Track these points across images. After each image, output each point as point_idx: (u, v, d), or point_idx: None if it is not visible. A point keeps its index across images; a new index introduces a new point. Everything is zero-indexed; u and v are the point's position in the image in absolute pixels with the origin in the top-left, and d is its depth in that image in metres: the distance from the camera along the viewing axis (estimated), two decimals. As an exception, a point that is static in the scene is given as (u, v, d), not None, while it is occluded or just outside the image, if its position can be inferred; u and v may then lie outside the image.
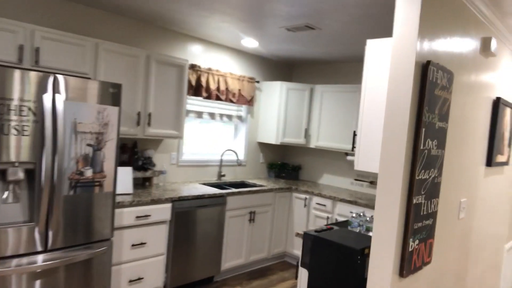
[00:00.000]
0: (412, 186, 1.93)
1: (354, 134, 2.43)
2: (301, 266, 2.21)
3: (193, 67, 4.12)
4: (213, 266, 3.82)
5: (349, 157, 4.55)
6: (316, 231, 2.22)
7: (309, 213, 4.42)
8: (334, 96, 4.58)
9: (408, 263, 1.96)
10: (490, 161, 2.98)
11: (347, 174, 4.82)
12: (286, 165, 5.29)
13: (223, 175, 4.60)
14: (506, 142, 3.31)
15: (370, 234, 2.37)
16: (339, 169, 4.91)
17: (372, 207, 3.86)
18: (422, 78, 1.93)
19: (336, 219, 4.15)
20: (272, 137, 4.84)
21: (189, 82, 4.09)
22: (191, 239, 3.57)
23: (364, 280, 1.98)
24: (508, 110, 3.23)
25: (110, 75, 3.18)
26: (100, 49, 3.08)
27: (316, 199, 4.35)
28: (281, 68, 5.26)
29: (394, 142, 1.91)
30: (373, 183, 4.56)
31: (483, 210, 3.06)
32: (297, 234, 2.58)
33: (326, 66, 5.09)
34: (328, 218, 4.23)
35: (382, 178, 1.95)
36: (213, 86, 4.28)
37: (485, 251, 3.21)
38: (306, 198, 4.44)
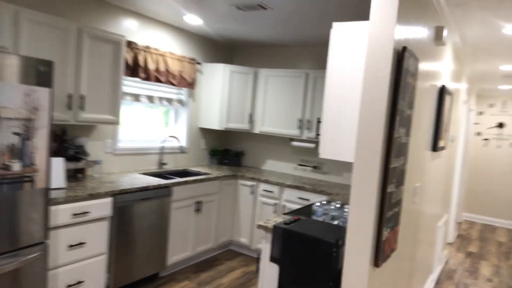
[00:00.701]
0: (387, 175, 1.89)
1: (318, 121, 2.35)
2: (271, 261, 2.08)
3: (129, 44, 3.71)
4: (159, 261, 3.56)
5: (294, 143, 4.52)
6: (285, 223, 2.11)
7: (256, 200, 4.33)
8: (279, 80, 4.49)
9: (382, 253, 1.94)
10: (435, 146, 3.12)
11: (291, 160, 4.80)
12: (228, 151, 5.12)
13: (164, 164, 4.29)
14: (444, 127, 3.49)
15: (335, 222, 2.32)
16: (283, 154, 4.87)
17: (318, 192, 3.87)
18: (398, 64, 1.88)
19: (284, 205, 4.11)
20: (215, 122, 4.63)
21: (126, 61, 3.69)
22: (134, 234, 3.27)
23: (339, 272, 1.92)
24: (448, 97, 3.39)
25: (35, 51, 2.71)
26: (21, 18, 2.59)
27: (263, 186, 4.27)
28: (222, 49, 5.02)
29: (371, 130, 1.85)
30: (316, 168, 4.60)
31: (428, 193, 3.20)
32: (260, 226, 2.46)
33: (270, 49, 4.96)
34: (275, 204, 4.17)
35: (358, 167, 1.89)
36: (152, 66, 3.92)
37: (426, 230, 3.39)
38: (252, 185, 4.33)
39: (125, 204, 3.15)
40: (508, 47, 3.70)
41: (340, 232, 2.02)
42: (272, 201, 4.21)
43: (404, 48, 1.86)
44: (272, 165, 4.95)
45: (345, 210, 2.30)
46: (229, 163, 4.99)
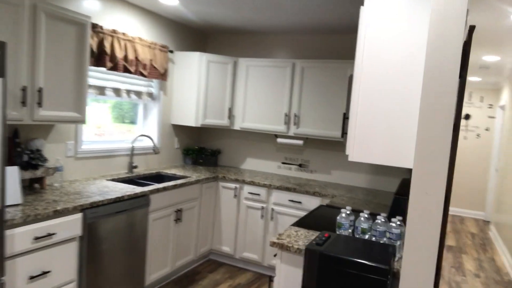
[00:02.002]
0: (450, 186, 1.56)
1: (345, 117, 1.99)
2: (303, 291, 1.70)
3: (93, 27, 3.12)
4: (137, 282, 3.04)
5: (280, 140, 4.14)
6: (317, 243, 1.73)
7: (240, 204, 3.91)
8: (261, 71, 4.08)
9: (438, 277, 1.62)
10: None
11: (274, 158, 4.43)
12: (204, 150, 4.64)
13: (135, 167, 3.74)
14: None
15: (366, 237, 1.98)
16: (265, 152, 4.48)
17: (312, 194, 3.53)
18: (465, 46, 1.54)
19: (272, 209, 3.73)
20: (191, 119, 4.13)
21: (90, 48, 3.09)
22: (109, 254, 2.73)
23: (391, 304, 1.57)
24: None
25: (-23, 30, 2.09)
26: (-44, -12, 1.97)
27: (247, 188, 3.85)
28: (197, 36, 4.51)
29: (438, 128, 1.50)
30: (302, 166, 4.27)
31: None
32: (275, 244, 2.05)
33: (251, 36, 4.52)
34: (262, 208, 3.78)
35: (419, 176, 1.54)
36: (119, 53, 3.35)
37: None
38: (236, 188, 3.90)
39: (97, 220, 2.61)
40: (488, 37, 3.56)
41: (387, 252, 1.68)
42: (258, 205, 3.81)
43: (473, 27, 1.53)
44: (253, 164, 4.55)
45: (377, 221, 1.97)
46: (204, 163, 4.52)
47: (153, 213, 3.14)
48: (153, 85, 4.00)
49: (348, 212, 2.08)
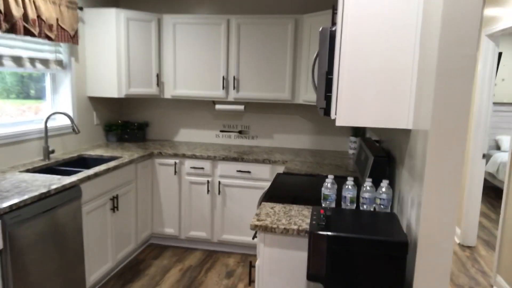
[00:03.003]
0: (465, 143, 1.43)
1: (327, 76, 1.72)
2: (310, 279, 1.48)
3: (-27, -24, 2.36)
4: (77, 286, 2.57)
5: (218, 106, 3.79)
6: (320, 225, 1.50)
7: (182, 180, 3.53)
8: (192, 29, 3.60)
9: (451, 242, 1.52)
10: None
11: (211, 126, 4.07)
12: (129, 124, 4.08)
13: (52, 151, 3.09)
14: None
15: (365, 207, 1.81)
16: (201, 121, 4.09)
17: (261, 161, 3.31)
18: None
19: (219, 182, 3.44)
20: (112, 89, 3.53)
21: (-27, 2, 2.34)
22: (39, 263, 2.21)
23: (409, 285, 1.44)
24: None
25: None
26: None
27: (189, 162, 3.48)
28: (104, -9, 3.80)
29: (458, 84, 1.34)
30: (242, 132, 4.00)
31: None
32: (258, 227, 1.79)
33: (168, -9, 3.96)
34: (208, 182, 3.46)
35: (439, 135, 1.37)
36: (16, 11, 2.62)
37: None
38: (175, 163, 3.50)
39: (20, 226, 2.06)
40: None
41: (395, 223, 1.53)
42: (203, 179, 3.48)
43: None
44: (187, 135, 4.14)
45: (365, 188, 1.81)
46: (131, 139, 3.99)
47: (86, 205, 2.64)
48: (61, 50, 3.29)
49: (332, 182, 1.88)
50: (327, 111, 2.00)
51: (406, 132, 1.77)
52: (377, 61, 1.62)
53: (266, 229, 1.80)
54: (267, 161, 3.32)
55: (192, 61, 3.63)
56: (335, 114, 1.72)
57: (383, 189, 1.78)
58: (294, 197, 2.25)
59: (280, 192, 2.35)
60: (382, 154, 2.03)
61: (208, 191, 3.48)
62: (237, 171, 3.40)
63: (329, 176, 1.92)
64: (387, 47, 1.61)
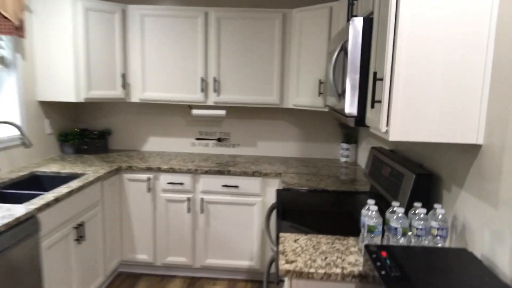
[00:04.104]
0: None
1: (375, 79, 1.37)
2: None
3: None
4: None
5: (196, 111, 3.33)
6: (392, 275, 1.14)
7: (156, 199, 3.03)
8: (163, 23, 3.11)
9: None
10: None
11: (186, 134, 3.60)
12: (88, 132, 3.49)
13: (-5, 170, 2.48)
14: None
15: (426, 243, 1.48)
16: (172, 128, 3.60)
17: (250, 174, 2.91)
18: None
19: (202, 199, 2.98)
20: (68, 92, 2.95)
21: None
22: (-15, 328, 1.66)
23: None
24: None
25: None
26: None
27: (165, 177, 2.99)
28: (55, -25, 3.19)
29: None
30: (221, 140, 3.56)
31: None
32: (289, 273, 1.40)
33: (132, -22, 3.43)
34: (189, 200, 3.00)
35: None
36: None
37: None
38: (149, 178, 2.99)
39: (-42, 281, 1.50)
40: None
41: (484, 270, 1.20)
42: (183, 196, 3.01)
43: None
44: (158, 145, 3.63)
45: (418, 215, 1.49)
46: (91, 150, 3.41)
47: (45, 239, 2.09)
48: (3, 45, 2.67)
49: (377, 209, 1.53)
50: (359, 120, 1.65)
51: (465, 147, 1.46)
52: (440, 61, 1.30)
53: (301, 274, 1.41)
54: (258, 173, 2.93)
55: (164, 60, 3.14)
56: (386, 126, 1.37)
57: (440, 217, 1.47)
58: (313, 223, 1.88)
59: (293, 215, 1.98)
60: (424, 171, 1.72)
61: (188, 209, 3.01)
62: (223, 185, 2.97)
63: (369, 201, 1.57)
64: (453, 43, 1.29)
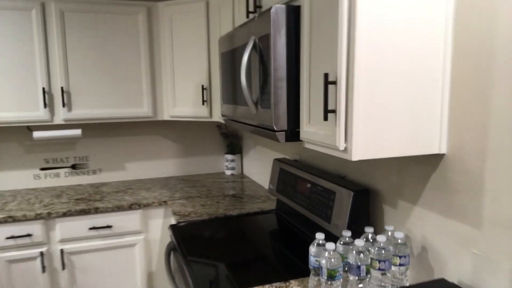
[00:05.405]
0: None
1: (326, 82, 1.02)
2: None
3: None
4: None
5: (38, 134, 2.50)
6: None
7: (-10, 262, 2.14)
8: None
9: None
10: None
11: (25, 164, 2.70)
12: None
13: None
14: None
15: (375, 274, 1.20)
16: (5, 158, 2.65)
17: (125, 208, 2.30)
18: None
19: (62, 251, 2.23)
20: None
21: None
22: None
23: None
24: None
25: None
26: None
27: (1, 230, 2.13)
28: None
29: None
30: (77, 167, 2.80)
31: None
32: None
33: None
34: (42, 255, 2.20)
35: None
36: None
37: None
38: (-25, 237, 2.08)
39: None
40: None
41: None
42: (33, 252, 2.19)
43: None
44: (-18, 182, 2.64)
45: (378, 243, 1.21)
46: None
47: None
48: None
49: (332, 247, 1.21)
50: (291, 134, 1.32)
51: (417, 158, 1.26)
52: (401, 61, 1.05)
53: None
54: (136, 206, 2.34)
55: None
56: (345, 143, 1.06)
57: (399, 241, 1.24)
58: (233, 265, 1.47)
59: (201, 256, 1.53)
60: (360, 187, 1.48)
61: (43, 268, 2.21)
62: (90, 228, 2.27)
63: (318, 235, 1.25)
64: (412, 40, 1.05)
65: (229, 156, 3.04)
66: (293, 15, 1.25)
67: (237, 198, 2.42)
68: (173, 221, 2.28)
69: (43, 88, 2.36)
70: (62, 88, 2.39)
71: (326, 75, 1.06)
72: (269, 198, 2.40)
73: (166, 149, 3.00)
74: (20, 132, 2.66)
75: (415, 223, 1.30)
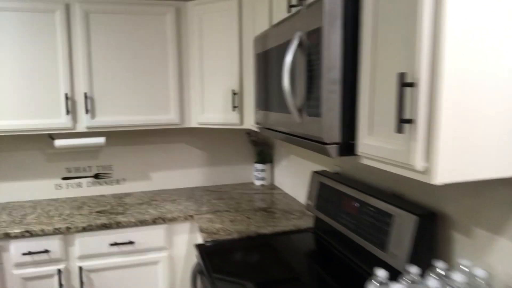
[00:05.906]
0: None
1: (402, 85, 0.82)
2: None
3: None
4: None
5: (60, 142, 2.37)
6: None
7: (6, 279, 2.00)
8: (3, 18, 2.11)
9: None
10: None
11: (47, 173, 2.58)
12: None
13: None
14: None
15: None
16: (26, 167, 2.54)
17: (148, 223, 2.12)
18: None
19: (81, 268, 2.07)
20: None
21: None
22: None
23: None
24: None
25: None
26: None
27: (19, 246, 1.99)
28: None
29: None
30: (100, 176, 2.66)
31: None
32: None
33: None
34: (59, 273, 2.05)
35: None
36: None
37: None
38: (-9, 252, 1.95)
39: None
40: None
41: None
42: (50, 269, 2.05)
43: None
44: (4, 192, 2.53)
45: (455, 279, 0.99)
46: None
47: None
48: None
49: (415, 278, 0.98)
50: (345, 147, 1.10)
51: (507, 178, 1.02)
52: (503, 59, 0.82)
53: None
54: (160, 220, 2.16)
55: (7, 71, 2.14)
56: (425, 162, 0.83)
57: (481, 280, 0.99)
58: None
59: (234, 282, 1.32)
60: (424, 210, 1.24)
61: (60, 286, 2.06)
62: (111, 244, 2.11)
63: (378, 272, 1.02)
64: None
65: (259, 166, 2.83)
66: (351, 2, 1.04)
67: (269, 213, 2.21)
68: (199, 238, 2.09)
69: (66, 94, 2.22)
70: (85, 93, 2.25)
71: (401, 75, 0.84)
72: (305, 213, 2.18)
73: (192, 157, 2.83)
74: (41, 140, 2.54)
75: (498, 258, 1.06)
